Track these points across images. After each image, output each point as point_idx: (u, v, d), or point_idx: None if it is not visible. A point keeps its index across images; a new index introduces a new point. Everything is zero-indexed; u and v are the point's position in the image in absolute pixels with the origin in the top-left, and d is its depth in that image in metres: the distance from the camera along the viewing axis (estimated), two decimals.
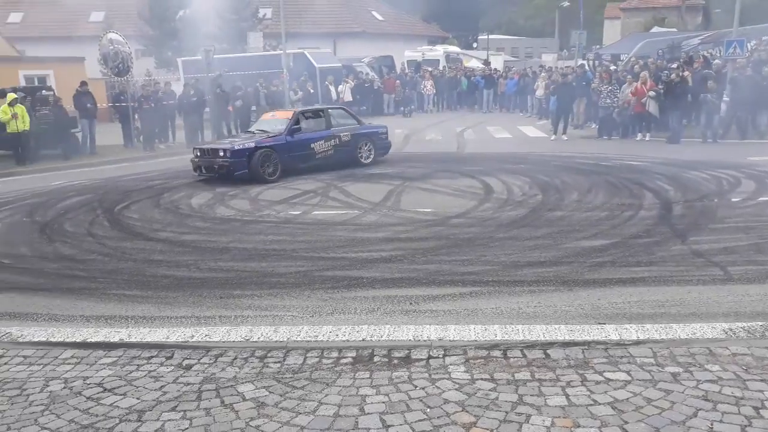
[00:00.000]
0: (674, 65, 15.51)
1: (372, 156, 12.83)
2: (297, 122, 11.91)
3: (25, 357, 4.20)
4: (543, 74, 20.82)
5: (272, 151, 11.29)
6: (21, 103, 14.56)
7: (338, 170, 11.84)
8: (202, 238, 7.43)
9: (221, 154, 11.16)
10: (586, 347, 3.92)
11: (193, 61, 23.20)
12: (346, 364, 3.85)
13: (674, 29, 30.17)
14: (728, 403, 3.19)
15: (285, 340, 4.30)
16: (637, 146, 14.02)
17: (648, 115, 14.93)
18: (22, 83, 20.03)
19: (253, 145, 11.18)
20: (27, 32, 33.28)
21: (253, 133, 12.27)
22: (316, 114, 12.53)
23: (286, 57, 21.16)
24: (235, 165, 10.97)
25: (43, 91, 17.28)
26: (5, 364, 4.10)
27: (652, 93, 14.51)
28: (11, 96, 14.40)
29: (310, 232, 7.43)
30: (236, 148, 11.09)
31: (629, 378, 3.50)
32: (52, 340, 4.53)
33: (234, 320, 4.79)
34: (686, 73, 14.40)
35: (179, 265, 6.32)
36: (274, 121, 12.44)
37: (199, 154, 11.65)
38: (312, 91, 21.16)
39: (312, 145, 11.87)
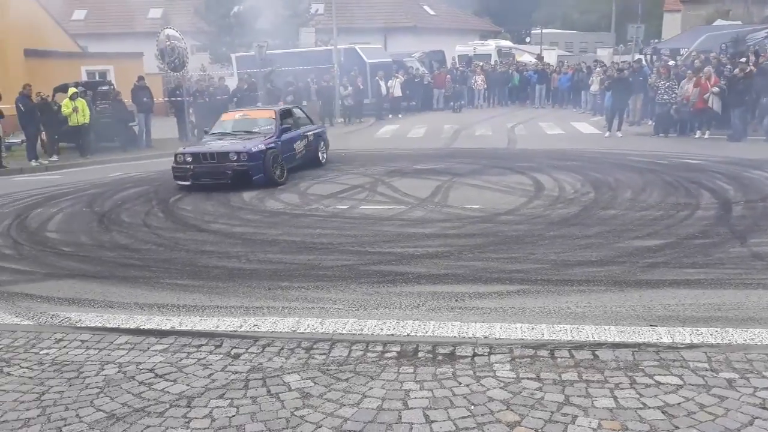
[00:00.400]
0: (743, 59, 14.86)
1: (325, 155, 12.70)
2: (281, 122, 11.37)
3: (82, 341, 4.37)
4: (598, 69, 20.32)
5: (278, 153, 10.65)
6: (82, 98, 15.14)
7: (303, 171, 11.61)
8: (252, 230, 7.57)
9: (234, 157, 10.07)
10: (636, 349, 3.82)
11: (246, 56, 23.63)
12: (390, 358, 3.86)
13: (739, 22, 28.94)
14: None
15: (331, 332, 4.35)
16: (695, 144, 13.55)
17: (709, 111, 14.39)
18: (84, 78, 20.83)
19: (263, 146, 10.36)
20: (89, 29, 34.48)
21: (233, 134, 11.19)
22: (288, 114, 12.12)
23: (336, 52, 21.31)
24: (253, 169, 10.12)
25: (106, 86, 17.92)
26: (64, 347, 4.29)
27: (716, 89, 13.96)
28: (72, 90, 14.98)
29: (357, 226, 7.47)
30: (254, 150, 10.15)
31: (681, 382, 3.40)
32: (107, 325, 4.70)
33: (281, 311, 4.86)
34: (751, 68, 13.81)
35: (230, 257, 6.46)
36: (249, 121, 11.59)
37: (191, 159, 10.22)
38: (362, 87, 21.23)
39: (294, 145, 11.47)
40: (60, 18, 26.98)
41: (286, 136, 11.27)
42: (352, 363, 3.82)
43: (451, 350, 3.92)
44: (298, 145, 11.66)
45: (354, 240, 6.84)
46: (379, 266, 5.86)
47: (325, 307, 4.91)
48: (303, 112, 13.33)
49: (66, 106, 14.71)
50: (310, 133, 12.22)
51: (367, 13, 34.53)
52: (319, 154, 12.50)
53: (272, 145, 10.69)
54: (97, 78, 21.55)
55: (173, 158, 10.56)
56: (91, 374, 3.84)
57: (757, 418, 3.03)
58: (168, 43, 17.41)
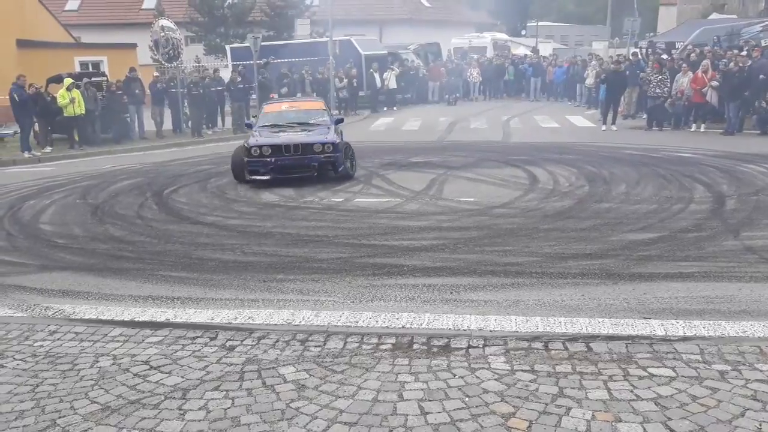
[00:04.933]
0: (743, 52, 14.84)
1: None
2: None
3: (76, 333, 4.36)
4: (594, 62, 20.31)
5: (348, 144, 10.25)
6: (86, 89, 15.05)
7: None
8: (247, 222, 7.55)
9: (320, 148, 9.50)
10: (629, 342, 3.84)
11: (241, 47, 23.51)
12: (385, 350, 3.87)
13: (734, 16, 28.96)
14: None
15: (326, 324, 4.35)
16: (690, 137, 13.59)
17: (706, 105, 14.42)
18: (77, 69, 20.69)
19: (339, 137, 9.97)
20: (83, 19, 34.25)
21: (289, 125, 10.33)
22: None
23: (332, 44, 21.22)
24: (338, 160, 9.65)
25: (102, 78, 17.82)
26: (58, 339, 4.28)
27: (714, 83, 13.97)
28: (68, 81, 14.88)
29: (352, 219, 7.47)
30: (336, 140, 9.71)
31: (674, 374, 3.42)
32: (102, 318, 4.69)
33: (276, 303, 4.86)
34: (747, 63, 13.82)
35: (224, 249, 6.45)
36: (301, 113, 10.86)
37: (270, 151, 9.47)
38: (356, 81, 21.12)
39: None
40: (53, 8, 26.78)
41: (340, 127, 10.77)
42: (348, 355, 3.82)
43: (446, 342, 3.93)
44: None
45: (349, 233, 6.83)
46: (374, 259, 5.86)
47: (320, 300, 4.91)
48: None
49: (62, 96, 14.60)
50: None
51: (363, 5, 34.40)
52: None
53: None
54: (90, 69, 21.39)
55: (245, 152, 9.58)
56: (86, 366, 3.84)
57: (748, 409, 3.06)
58: (162, 34, 17.31)
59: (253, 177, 9.54)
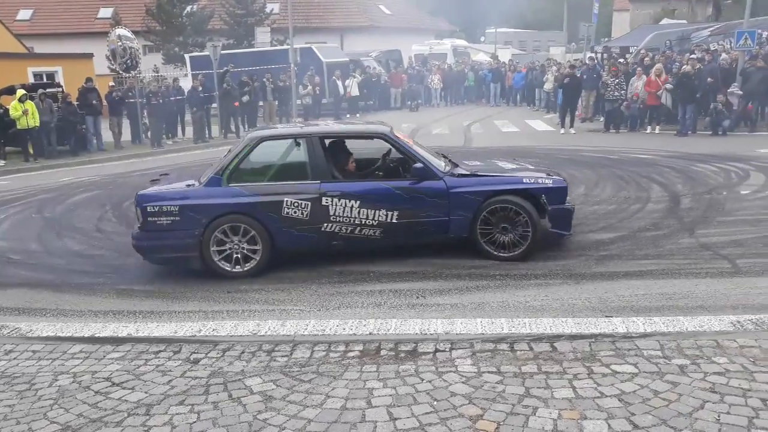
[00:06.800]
0: (694, 55, 15.30)
1: None
2: None
3: (34, 352, 4.23)
4: (554, 68, 20.66)
5: None
6: (41, 100, 14.65)
7: None
8: None
9: None
10: (593, 340, 3.92)
11: (200, 56, 23.25)
12: (353, 357, 3.86)
13: (684, 21, 29.91)
14: (735, 395, 3.18)
15: (292, 334, 4.32)
16: (645, 139, 13.93)
17: (660, 107, 14.81)
18: (31, 80, 20.15)
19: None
20: (36, 29, 33.43)
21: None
22: None
23: (293, 52, 21.14)
24: None
25: (57, 89, 17.38)
26: (15, 359, 4.15)
27: (669, 85, 14.37)
28: (21, 92, 14.48)
29: None
30: None
31: (636, 370, 3.49)
32: (60, 335, 4.56)
33: (241, 314, 4.81)
34: (698, 66, 14.27)
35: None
36: None
37: None
38: (318, 89, 21.06)
39: None
40: (4, 18, 26.09)
41: None
42: (315, 364, 3.80)
43: (413, 347, 3.94)
44: None
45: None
46: (341, 266, 5.85)
47: (287, 309, 4.88)
48: None
49: (15, 108, 14.18)
50: None
51: (323, 13, 34.38)
52: None
53: None
54: (44, 79, 20.85)
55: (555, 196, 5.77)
56: (44, 386, 3.73)
57: (707, 402, 3.14)
58: (119, 43, 17.00)
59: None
